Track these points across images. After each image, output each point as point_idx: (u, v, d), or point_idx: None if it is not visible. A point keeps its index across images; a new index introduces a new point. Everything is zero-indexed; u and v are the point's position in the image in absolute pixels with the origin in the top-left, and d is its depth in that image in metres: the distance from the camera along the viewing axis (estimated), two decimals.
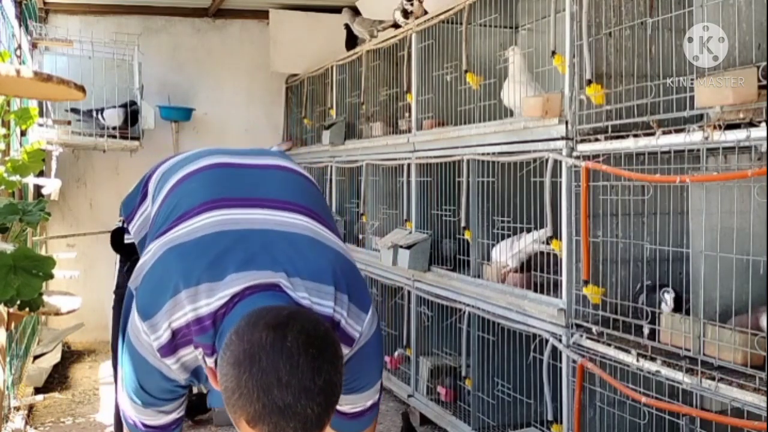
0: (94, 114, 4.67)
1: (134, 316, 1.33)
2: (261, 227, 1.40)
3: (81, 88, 2.23)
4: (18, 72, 2.03)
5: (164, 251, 1.38)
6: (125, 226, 1.74)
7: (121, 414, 1.45)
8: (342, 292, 1.34)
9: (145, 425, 1.40)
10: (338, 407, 1.42)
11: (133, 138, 4.75)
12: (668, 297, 2.14)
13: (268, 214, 1.44)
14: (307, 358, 1.12)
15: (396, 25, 3.92)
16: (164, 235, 1.42)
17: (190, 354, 1.32)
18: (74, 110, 4.70)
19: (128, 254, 1.74)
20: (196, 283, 1.30)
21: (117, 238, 1.78)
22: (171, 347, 1.30)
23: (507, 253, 2.91)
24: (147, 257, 1.40)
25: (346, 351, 1.33)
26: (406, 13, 3.75)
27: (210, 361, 1.30)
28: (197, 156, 1.63)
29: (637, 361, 2.16)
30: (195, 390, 3.57)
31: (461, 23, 3.22)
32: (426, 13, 3.56)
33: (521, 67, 2.91)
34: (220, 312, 1.28)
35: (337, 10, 4.96)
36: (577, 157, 2.42)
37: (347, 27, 4.66)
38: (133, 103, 4.74)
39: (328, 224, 1.51)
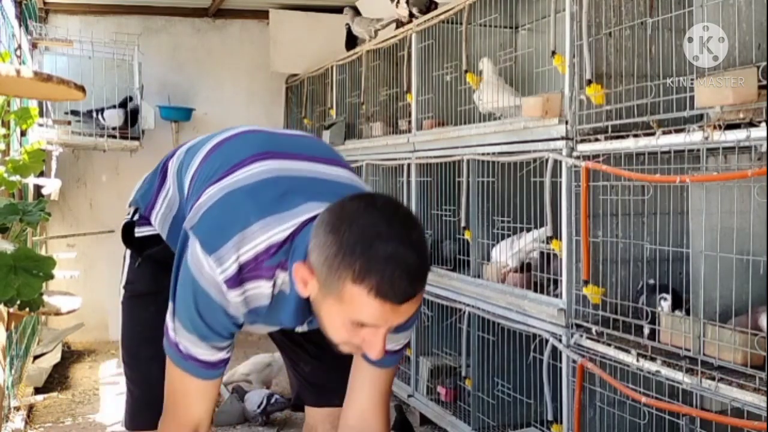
0: (94, 114, 4.67)
1: (196, 251, 1.33)
2: (314, 176, 1.47)
3: (81, 88, 2.23)
4: (18, 72, 2.03)
5: (225, 193, 1.39)
6: (139, 216, 1.68)
7: (168, 347, 1.41)
8: None
9: (196, 358, 1.39)
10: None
11: (133, 138, 4.75)
12: (665, 304, 2.14)
13: (317, 166, 1.50)
14: (398, 217, 1.24)
15: (399, 23, 3.91)
16: (219, 182, 1.43)
17: (255, 289, 1.34)
18: (74, 112, 4.70)
19: (140, 248, 1.68)
20: (269, 213, 1.34)
21: (127, 232, 1.70)
22: (238, 280, 1.31)
23: (507, 253, 2.91)
24: (203, 200, 1.41)
25: None
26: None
27: (283, 276, 1.33)
28: (223, 130, 1.65)
29: (637, 361, 2.16)
30: None
31: (461, 23, 3.22)
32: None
33: (493, 72, 3.07)
34: (293, 234, 1.33)
35: (336, 10, 4.96)
36: (577, 157, 2.42)
37: (348, 27, 4.66)
38: (131, 98, 4.73)
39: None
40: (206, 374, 1.41)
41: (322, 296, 1.27)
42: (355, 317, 1.24)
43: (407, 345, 1.57)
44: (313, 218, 1.32)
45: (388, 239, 1.19)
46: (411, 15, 3.78)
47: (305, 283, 1.29)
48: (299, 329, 1.53)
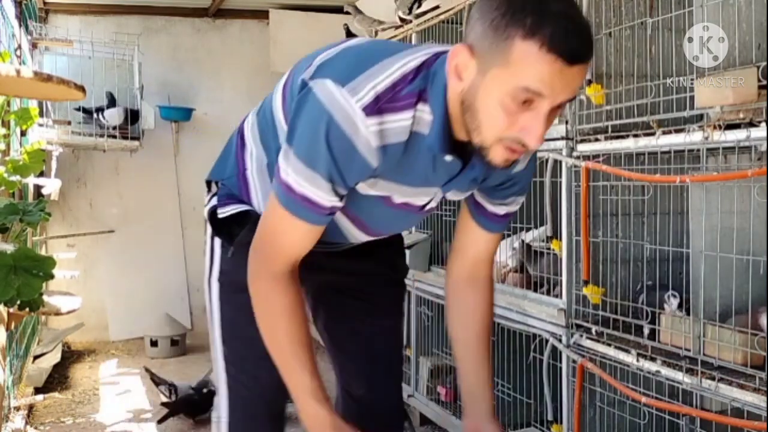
0: (95, 114, 4.67)
1: (326, 86, 1.25)
2: None
3: (81, 88, 2.23)
4: (18, 72, 2.03)
5: (342, 48, 1.38)
6: (218, 192, 1.57)
7: (278, 187, 1.33)
8: None
9: (309, 199, 1.30)
10: (497, 210, 1.53)
11: (133, 138, 4.76)
12: (674, 301, 2.13)
13: None
14: None
15: (403, 20, 3.93)
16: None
17: (393, 122, 1.26)
18: (85, 110, 4.67)
19: (229, 234, 1.54)
20: (398, 50, 1.31)
21: (213, 217, 1.56)
22: (375, 108, 1.24)
23: (507, 252, 2.91)
24: (314, 63, 1.35)
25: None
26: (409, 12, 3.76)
27: (424, 110, 1.27)
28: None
29: (637, 361, 2.16)
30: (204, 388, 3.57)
31: (461, 23, 3.22)
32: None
33: None
34: (427, 60, 1.28)
35: (337, 10, 4.96)
36: (577, 157, 2.42)
37: (346, 27, 4.65)
38: (112, 96, 4.71)
39: None
40: (316, 218, 1.33)
41: (482, 74, 1.19)
42: (521, 83, 1.15)
43: (514, 215, 1.60)
44: (446, 51, 1.28)
45: (557, 1, 1.15)
46: (401, 19, 3.84)
47: (461, 72, 1.22)
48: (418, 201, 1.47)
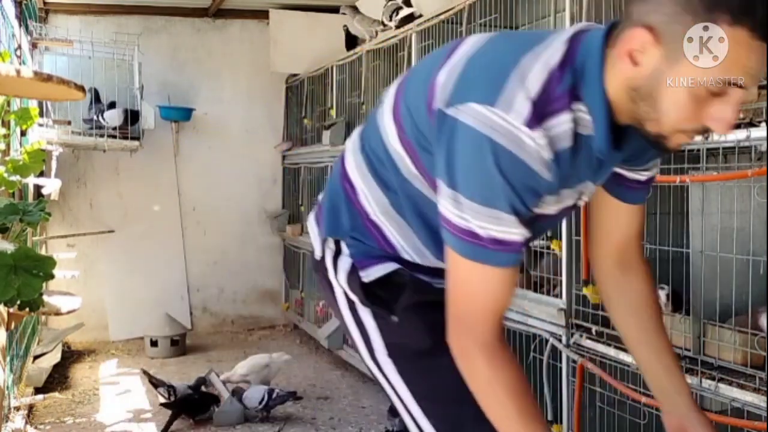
0: (94, 114, 4.67)
1: (474, 111, 1.10)
2: None
3: (81, 88, 2.23)
4: (18, 72, 2.02)
5: (467, 58, 1.20)
6: (351, 254, 1.38)
7: (456, 241, 1.17)
8: None
9: (500, 240, 1.15)
10: (639, 177, 1.38)
11: (133, 138, 4.76)
12: (662, 293, 2.14)
13: None
14: None
15: (384, 26, 3.99)
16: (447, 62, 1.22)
17: (557, 127, 1.13)
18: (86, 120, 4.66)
19: (384, 303, 1.35)
20: (531, 45, 1.16)
21: (356, 284, 1.34)
22: (536, 117, 1.10)
23: None
24: (443, 78, 1.19)
25: None
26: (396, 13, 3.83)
27: (580, 109, 1.14)
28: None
29: None
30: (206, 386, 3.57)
31: (461, 23, 3.22)
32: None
33: None
34: (568, 51, 1.15)
35: (337, 10, 4.96)
36: None
37: (346, 29, 4.66)
38: (96, 92, 4.66)
39: None
40: (512, 259, 1.18)
41: (671, 61, 1.07)
42: (724, 73, 1.05)
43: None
44: (582, 32, 1.17)
45: None
46: (383, 24, 3.92)
47: (638, 58, 1.09)
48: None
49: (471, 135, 1.11)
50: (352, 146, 1.43)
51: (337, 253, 1.40)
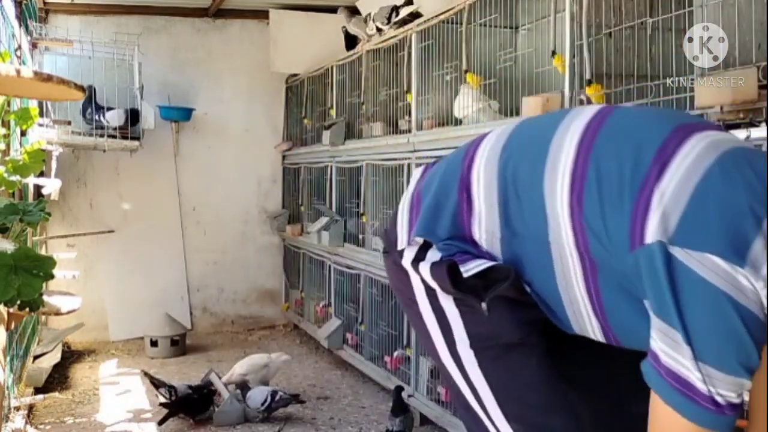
0: (94, 114, 4.66)
1: (714, 264, 0.99)
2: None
3: (81, 88, 2.23)
4: (18, 72, 2.03)
5: (696, 181, 1.05)
6: (447, 252, 1.25)
7: (688, 405, 1.05)
8: None
9: (734, 406, 1.06)
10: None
11: (133, 138, 4.76)
12: None
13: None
14: None
15: (380, 30, 4.00)
16: (660, 179, 1.07)
17: None
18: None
19: (473, 288, 1.22)
20: (710, 157, 1.06)
21: (455, 276, 1.22)
22: None
23: None
24: (669, 195, 1.04)
25: None
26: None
27: None
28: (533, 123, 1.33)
29: None
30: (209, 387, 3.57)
31: (461, 23, 3.22)
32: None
33: (471, 89, 3.18)
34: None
35: (337, 10, 4.96)
36: None
37: (344, 30, 4.66)
38: (92, 89, 4.63)
39: None
40: (732, 421, 1.07)
41: None
42: None
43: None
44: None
45: None
46: (378, 29, 3.92)
47: None
48: None
49: (714, 299, 1.00)
50: (487, 155, 1.27)
51: (425, 247, 1.28)
